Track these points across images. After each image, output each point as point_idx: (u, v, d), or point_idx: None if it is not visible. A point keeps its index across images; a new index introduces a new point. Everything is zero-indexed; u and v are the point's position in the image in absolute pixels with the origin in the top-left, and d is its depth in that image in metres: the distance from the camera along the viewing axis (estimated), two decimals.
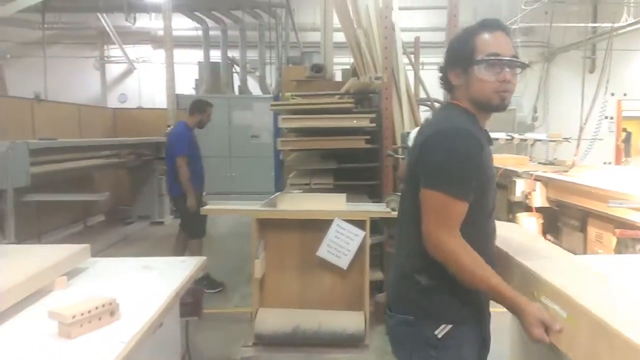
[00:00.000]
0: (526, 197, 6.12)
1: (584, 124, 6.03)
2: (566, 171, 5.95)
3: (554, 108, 12.33)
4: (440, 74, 1.64)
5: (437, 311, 1.51)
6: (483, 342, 1.63)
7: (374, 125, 3.67)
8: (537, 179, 5.95)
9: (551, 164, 7.38)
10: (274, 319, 3.42)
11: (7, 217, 3.83)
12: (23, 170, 4.16)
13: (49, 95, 9.84)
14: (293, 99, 4.71)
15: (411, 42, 6.10)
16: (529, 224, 6.16)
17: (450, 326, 1.49)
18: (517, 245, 1.73)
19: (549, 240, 6.00)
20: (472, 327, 1.55)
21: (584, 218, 5.29)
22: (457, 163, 1.43)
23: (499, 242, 1.68)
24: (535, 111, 9.24)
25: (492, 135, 6.36)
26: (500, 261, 1.67)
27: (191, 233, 4.95)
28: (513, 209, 6.73)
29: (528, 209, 6.29)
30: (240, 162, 10.00)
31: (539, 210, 6.11)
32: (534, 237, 1.99)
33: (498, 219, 5.99)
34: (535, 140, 9.02)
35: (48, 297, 1.65)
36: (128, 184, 8.38)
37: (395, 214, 3.46)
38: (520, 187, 6.28)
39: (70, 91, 12.85)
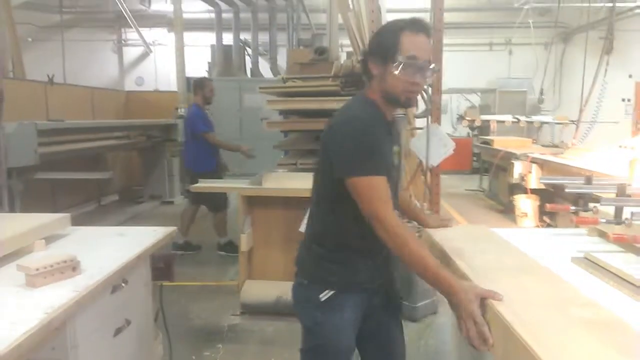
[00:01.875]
0: (522, 179, 6.20)
1: (584, 105, 6.05)
2: (562, 153, 6.01)
3: (569, 90, 12.20)
4: (361, 59, 1.74)
5: (323, 277, 1.71)
6: (381, 310, 1.81)
7: None
8: (533, 161, 6.02)
9: (555, 146, 7.41)
10: (258, 290, 3.65)
11: (5, 191, 4.12)
12: (31, 149, 4.44)
13: (67, 78, 10.18)
14: (292, 81, 4.88)
15: None
16: (525, 206, 6.25)
17: (332, 292, 1.68)
18: (459, 248, 1.83)
19: (545, 222, 6.08)
20: (356, 295, 1.72)
21: (576, 200, 5.36)
22: (359, 146, 1.55)
23: (446, 245, 1.80)
24: (542, 93, 9.21)
25: (500, 117, 6.53)
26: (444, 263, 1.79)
27: (215, 207, 5.32)
28: (513, 190, 6.82)
29: (526, 191, 6.37)
30: (252, 143, 10.18)
31: (536, 192, 6.19)
32: (486, 237, 2.09)
33: (499, 202, 6.11)
34: (542, 123, 9.03)
35: (27, 256, 1.88)
36: (140, 165, 8.69)
37: None
38: (518, 169, 6.36)
39: (89, 74, 13.20)
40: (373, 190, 1.54)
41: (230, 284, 4.57)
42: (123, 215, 7.48)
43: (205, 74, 11.77)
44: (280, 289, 3.61)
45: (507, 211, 7.31)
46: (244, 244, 3.63)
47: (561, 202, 5.70)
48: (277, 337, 3.55)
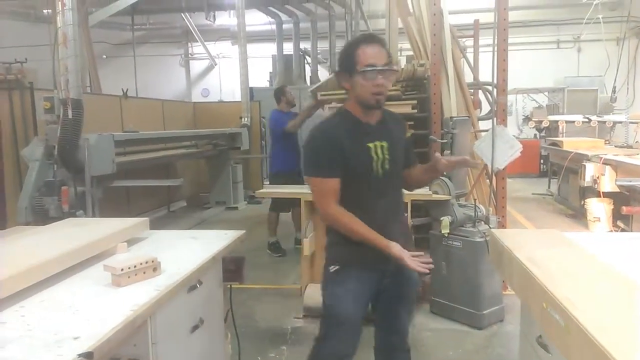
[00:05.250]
0: (595, 181, 5.91)
1: None
2: (637, 154, 5.68)
3: None
4: (335, 78, 2.05)
5: (331, 256, 2.11)
6: (392, 291, 2.12)
7: (414, 111, 3.80)
8: (606, 162, 5.73)
9: (630, 147, 7.01)
10: (320, 294, 3.69)
11: (88, 198, 4.43)
12: (109, 159, 4.75)
13: (139, 92, 10.75)
14: None
15: (471, 24, 6.09)
16: (597, 210, 5.95)
17: (337, 267, 2.06)
18: (532, 253, 1.83)
19: (619, 226, 5.76)
20: (358, 272, 2.05)
21: None
22: (312, 154, 2.01)
23: (521, 256, 1.84)
24: (614, 91, 8.72)
25: (570, 117, 6.47)
26: (516, 269, 1.84)
27: (271, 206, 5.58)
28: (584, 194, 6.51)
29: (599, 194, 6.07)
30: None
31: (610, 195, 5.88)
32: (562, 243, 2.05)
33: (569, 206, 5.94)
34: (615, 123, 8.55)
35: (111, 257, 2.03)
36: (206, 172, 9.03)
37: (436, 197, 3.61)
38: (590, 171, 6.07)
39: (159, 87, 13.85)
40: (317, 189, 2.01)
41: (293, 287, 4.66)
42: (191, 220, 7.80)
43: (267, 84, 12.08)
44: None
45: (578, 216, 6.99)
46: (307, 248, 3.70)
47: (637, 205, 5.40)
48: None
